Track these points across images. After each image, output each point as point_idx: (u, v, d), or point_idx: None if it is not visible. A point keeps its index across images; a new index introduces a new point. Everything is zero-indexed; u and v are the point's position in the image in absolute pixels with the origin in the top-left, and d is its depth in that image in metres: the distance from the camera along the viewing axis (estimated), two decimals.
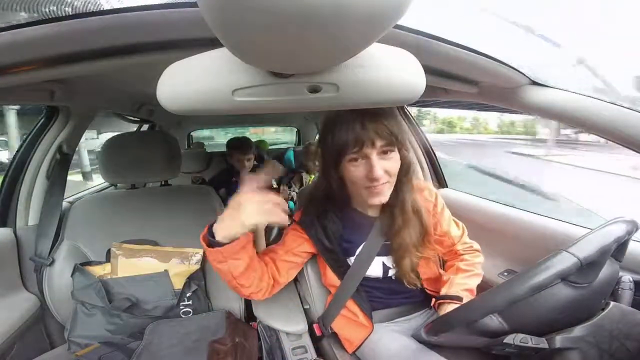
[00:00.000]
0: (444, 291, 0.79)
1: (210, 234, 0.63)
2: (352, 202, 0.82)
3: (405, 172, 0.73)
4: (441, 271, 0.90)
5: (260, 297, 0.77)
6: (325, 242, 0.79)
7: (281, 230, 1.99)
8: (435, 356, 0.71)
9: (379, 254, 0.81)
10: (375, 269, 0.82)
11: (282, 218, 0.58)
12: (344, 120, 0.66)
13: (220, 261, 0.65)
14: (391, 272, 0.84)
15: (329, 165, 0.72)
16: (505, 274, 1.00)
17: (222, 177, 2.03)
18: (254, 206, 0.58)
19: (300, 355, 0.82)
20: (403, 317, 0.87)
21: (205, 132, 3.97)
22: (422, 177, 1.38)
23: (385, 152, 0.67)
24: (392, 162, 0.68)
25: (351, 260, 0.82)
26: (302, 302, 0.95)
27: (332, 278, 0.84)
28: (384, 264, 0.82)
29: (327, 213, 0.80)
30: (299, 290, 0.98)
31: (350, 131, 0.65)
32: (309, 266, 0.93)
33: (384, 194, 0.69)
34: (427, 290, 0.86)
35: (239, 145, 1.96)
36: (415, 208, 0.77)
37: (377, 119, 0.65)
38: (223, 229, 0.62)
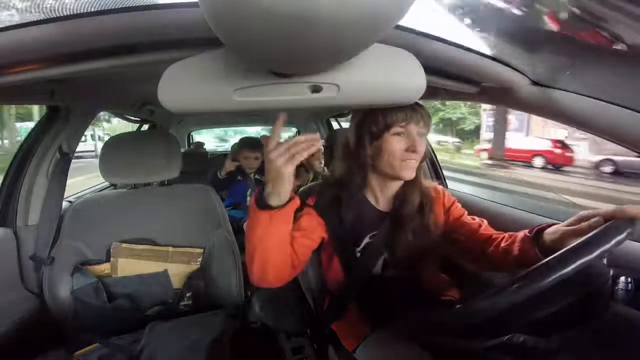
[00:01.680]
0: (518, 238, 0.70)
1: (261, 200, 0.64)
2: (367, 192, 0.84)
3: (423, 158, 0.80)
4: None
5: (275, 284, 0.74)
6: (337, 229, 0.80)
7: None
8: (432, 358, 0.71)
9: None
10: (376, 265, 0.82)
11: (312, 148, 0.59)
12: None
13: (267, 225, 0.64)
14: (389, 271, 0.84)
15: (366, 142, 0.76)
16: (505, 273, 1.00)
17: (228, 177, 2.04)
18: (284, 156, 0.59)
19: (299, 355, 0.82)
20: (400, 318, 0.88)
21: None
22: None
23: (420, 134, 0.75)
24: (424, 144, 0.76)
25: (357, 250, 0.82)
26: (302, 302, 0.95)
27: (337, 270, 0.83)
28: (384, 260, 0.83)
29: (340, 199, 0.81)
30: (299, 290, 0.99)
31: (401, 109, 0.71)
32: (310, 264, 0.93)
33: (414, 170, 0.76)
34: (423, 292, 0.87)
35: (249, 143, 2.05)
36: (423, 199, 0.81)
37: (421, 106, 0.74)
38: (271, 191, 0.62)
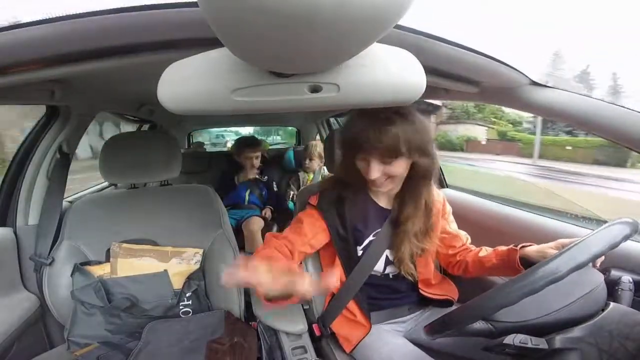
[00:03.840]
0: (503, 251, 0.77)
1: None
2: (369, 190, 0.84)
3: (422, 175, 0.77)
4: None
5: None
6: (339, 229, 0.80)
7: (281, 229, 1.99)
8: (430, 358, 0.71)
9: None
10: (377, 263, 0.83)
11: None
12: (364, 121, 0.71)
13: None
14: (390, 269, 0.84)
15: (347, 155, 0.78)
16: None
17: (226, 181, 2.05)
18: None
19: (299, 356, 0.82)
20: (398, 318, 0.88)
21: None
22: None
23: (388, 159, 0.71)
24: (395, 168, 0.73)
25: (359, 249, 0.82)
26: (301, 303, 0.94)
27: (338, 270, 0.83)
28: (386, 257, 0.83)
29: (344, 199, 0.81)
30: None
31: (365, 133, 0.70)
32: (310, 264, 0.93)
33: (384, 187, 0.77)
34: (422, 292, 0.87)
35: (249, 143, 2.05)
36: (428, 205, 0.81)
37: (389, 129, 0.68)
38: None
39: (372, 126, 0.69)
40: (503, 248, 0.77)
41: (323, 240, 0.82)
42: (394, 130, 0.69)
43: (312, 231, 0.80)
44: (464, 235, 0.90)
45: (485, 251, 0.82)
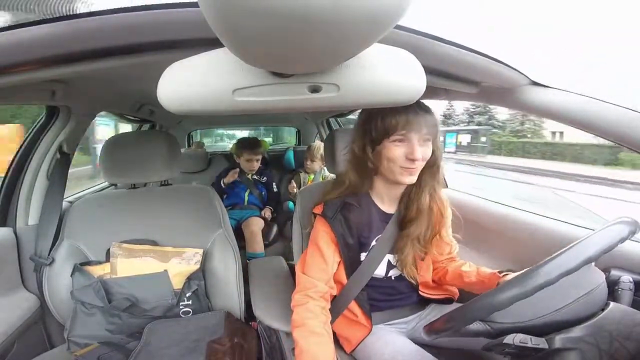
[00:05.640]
0: (486, 272, 0.77)
1: None
2: (373, 193, 0.84)
3: (432, 162, 0.77)
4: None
5: None
6: (347, 237, 0.80)
7: (281, 229, 1.99)
8: (431, 358, 0.71)
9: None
10: (379, 267, 0.82)
11: None
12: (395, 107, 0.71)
13: None
14: (392, 272, 0.84)
15: (367, 147, 0.76)
16: None
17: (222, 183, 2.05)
18: None
19: None
20: (400, 318, 0.88)
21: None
22: None
23: (424, 140, 0.73)
24: (428, 150, 0.74)
25: (363, 255, 0.82)
26: None
27: (340, 273, 0.83)
28: (389, 262, 0.83)
29: (349, 205, 0.80)
30: None
31: (401, 114, 0.70)
32: None
33: (415, 175, 0.75)
34: (422, 293, 0.87)
35: (250, 144, 2.03)
36: (430, 204, 0.80)
37: (425, 109, 0.73)
38: None
39: (407, 108, 0.70)
40: (487, 270, 0.77)
41: (338, 252, 0.82)
42: (430, 112, 0.73)
43: (330, 251, 0.80)
44: (454, 245, 0.89)
45: (468, 267, 0.82)
